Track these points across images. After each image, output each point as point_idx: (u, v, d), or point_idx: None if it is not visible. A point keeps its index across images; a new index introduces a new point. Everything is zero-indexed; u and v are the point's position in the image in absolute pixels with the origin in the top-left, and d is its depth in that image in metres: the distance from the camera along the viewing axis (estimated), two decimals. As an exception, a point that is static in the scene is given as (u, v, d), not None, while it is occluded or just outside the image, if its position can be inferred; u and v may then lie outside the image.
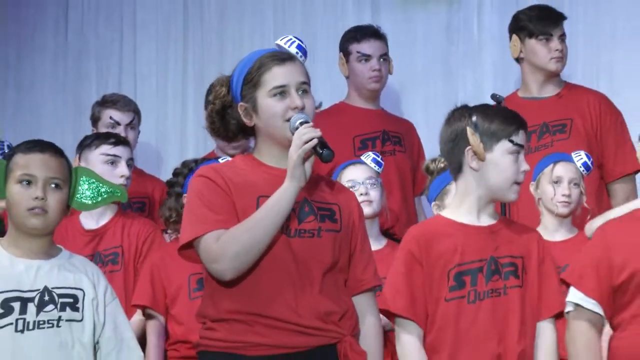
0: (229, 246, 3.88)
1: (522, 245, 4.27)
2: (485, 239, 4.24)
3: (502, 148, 4.23)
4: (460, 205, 4.32)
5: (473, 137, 4.23)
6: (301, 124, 3.90)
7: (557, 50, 6.12)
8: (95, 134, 5.95)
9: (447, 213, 4.37)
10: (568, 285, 4.27)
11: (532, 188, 5.46)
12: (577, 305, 4.22)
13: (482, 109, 4.33)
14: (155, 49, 7.64)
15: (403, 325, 4.21)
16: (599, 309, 4.20)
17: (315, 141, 3.85)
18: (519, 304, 4.20)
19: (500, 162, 4.23)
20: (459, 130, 4.24)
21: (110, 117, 6.41)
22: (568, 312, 4.25)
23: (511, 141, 4.22)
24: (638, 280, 4.16)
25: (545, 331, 4.27)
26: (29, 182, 4.10)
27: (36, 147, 4.18)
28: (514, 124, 4.25)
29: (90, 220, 5.65)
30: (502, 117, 4.29)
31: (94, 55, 7.72)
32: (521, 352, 4.17)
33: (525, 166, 4.24)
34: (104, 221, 5.69)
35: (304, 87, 3.98)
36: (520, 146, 4.24)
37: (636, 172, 6.11)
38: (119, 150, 5.68)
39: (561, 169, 5.42)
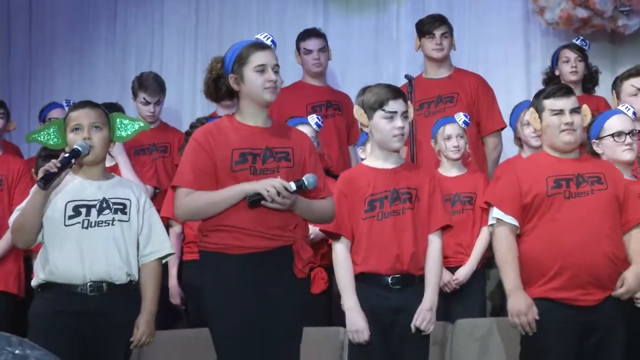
0: (190, 205, 3.97)
1: (417, 180, 4.36)
2: (390, 177, 4.34)
3: (379, 115, 4.29)
4: (372, 156, 4.44)
5: (357, 111, 4.37)
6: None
7: (437, 44, 6.22)
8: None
9: (366, 162, 4.49)
10: (490, 206, 4.38)
11: (432, 143, 5.57)
12: (498, 219, 4.30)
13: (370, 88, 4.39)
14: (176, 40, 7.66)
15: (335, 238, 4.36)
16: (515, 222, 4.29)
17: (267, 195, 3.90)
18: (412, 220, 4.30)
19: (378, 125, 4.30)
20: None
21: (144, 98, 6.41)
22: (492, 225, 4.34)
23: (383, 110, 4.28)
24: (537, 202, 4.26)
25: (433, 240, 4.36)
26: (78, 129, 4.17)
27: (80, 104, 4.28)
28: (385, 96, 4.28)
29: None
30: (379, 92, 4.32)
31: (134, 45, 7.71)
32: (413, 253, 4.28)
33: (399, 124, 4.29)
34: None
35: (276, 69, 4.06)
36: (393, 112, 4.28)
37: (501, 130, 6.28)
38: None
39: (450, 128, 5.52)
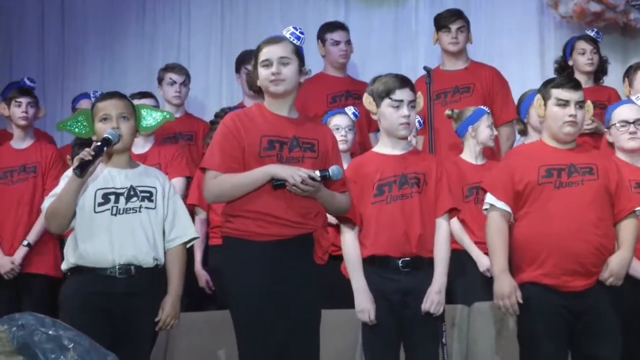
0: (216, 187, 3.99)
1: (425, 166, 4.35)
2: (398, 163, 4.32)
3: (386, 103, 4.28)
4: (382, 142, 4.42)
5: (366, 99, 4.36)
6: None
7: (452, 38, 6.21)
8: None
9: (375, 148, 4.48)
10: (486, 192, 4.38)
11: (470, 130, 5.42)
12: (491, 205, 4.31)
13: (380, 77, 4.38)
14: (202, 34, 7.64)
15: (344, 223, 4.34)
16: (507, 208, 4.28)
17: (295, 182, 3.92)
18: (419, 204, 4.29)
19: (385, 113, 4.30)
20: None
21: (170, 77, 6.42)
22: (486, 209, 4.34)
23: (390, 98, 4.27)
24: (529, 189, 4.25)
25: (441, 224, 4.33)
26: (106, 119, 4.17)
27: (107, 95, 4.28)
28: (392, 86, 4.28)
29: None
30: (387, 81, 4.32)
31: (161, 38, 7.71)
32: (420, 235, 4.26)
33: (404, 112, 4.27)
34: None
35: (284, 61, 4.03)
36: (399, 101, 4.27)
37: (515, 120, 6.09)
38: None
39: (487, 118, 5.45)
